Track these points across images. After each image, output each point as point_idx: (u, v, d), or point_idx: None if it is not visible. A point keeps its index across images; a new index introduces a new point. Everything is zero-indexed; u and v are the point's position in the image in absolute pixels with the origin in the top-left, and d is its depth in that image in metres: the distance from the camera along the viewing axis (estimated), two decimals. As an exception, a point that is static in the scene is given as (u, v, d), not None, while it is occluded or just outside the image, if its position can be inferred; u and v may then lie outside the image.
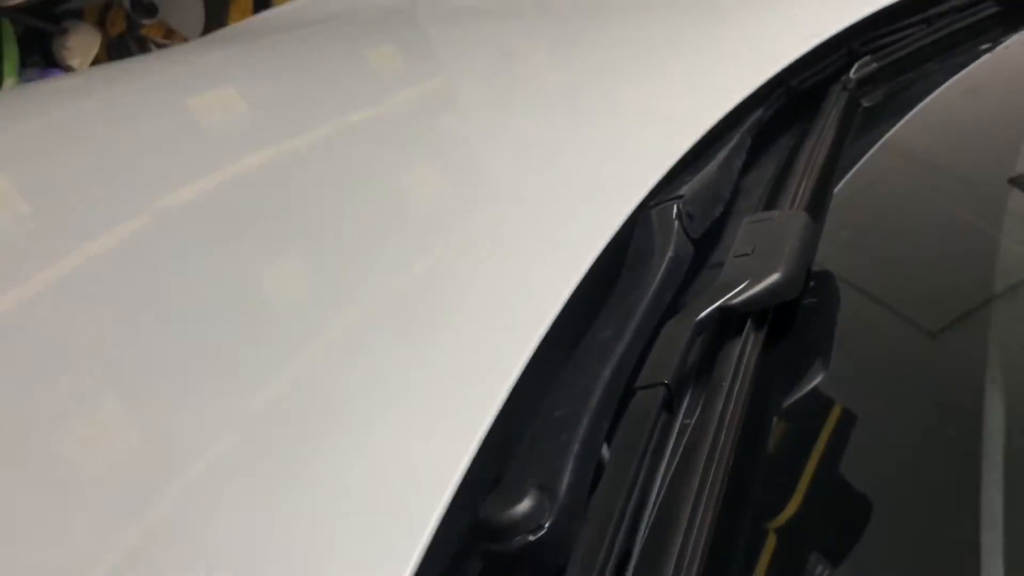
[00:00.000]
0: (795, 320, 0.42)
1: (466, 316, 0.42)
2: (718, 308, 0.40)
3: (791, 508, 0.35)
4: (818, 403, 0.39)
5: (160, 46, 2.40)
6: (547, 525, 0.33)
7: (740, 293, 0.40)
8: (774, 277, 0.40)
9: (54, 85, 1.12)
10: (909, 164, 0.67)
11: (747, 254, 0.43)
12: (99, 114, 0.84)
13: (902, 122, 0.68)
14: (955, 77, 0.73)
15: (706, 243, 0.51)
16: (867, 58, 0.74)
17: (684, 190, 0.50)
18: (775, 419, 0.39)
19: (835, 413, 0.40)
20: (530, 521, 0.33)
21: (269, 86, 0.87)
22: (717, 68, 0.68)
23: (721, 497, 0.32)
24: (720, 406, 0.36)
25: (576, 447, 0.36)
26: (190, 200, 0.62)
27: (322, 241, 0.53)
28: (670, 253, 0.46)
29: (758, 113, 0.63)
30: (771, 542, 0.34)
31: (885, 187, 0.63)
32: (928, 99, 0.71)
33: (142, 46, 2.41)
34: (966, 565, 0.31)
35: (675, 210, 0.49)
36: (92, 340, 0.46)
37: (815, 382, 0.40)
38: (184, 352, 0.44)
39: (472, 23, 1.00)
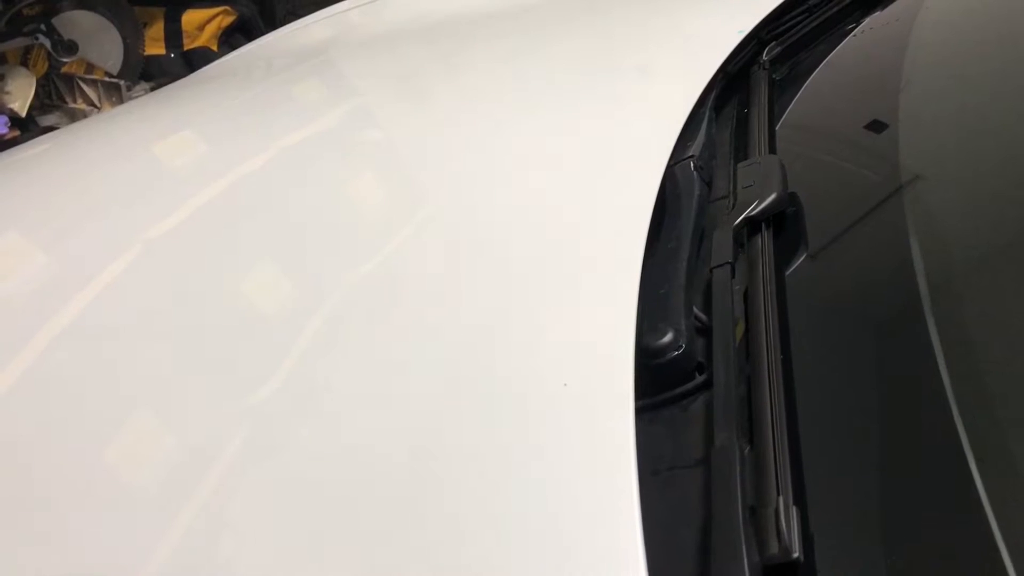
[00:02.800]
0: (785, 220, 0.68)
1: (595, 247, 0.67)
2: (745, 218, 0.66)
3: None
4: (809, 262, 0.66)
5: (86, 82, 2.50)
6: (683, 345, 0.58)
7: (756, 207, 0.66)
8: (773, 195, 0.67)
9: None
10: (812, 113, 0.95)
11: (751, 185, 0.69)
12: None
13: (802, 88, 0.96)
14: (832, 52, 1.02)
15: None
16: (773, 44, 1.02)
17: (692, 150, 0.77)
18: (788, 274, 0.64)
19: (817, 263, 0.66)
20: (674, 344, 0.58)
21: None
22: (682, 64, 0.94)
23: (776, 317, 0.58)
24: (760, 271, 0.62)
25: (683, 305, 0.61)
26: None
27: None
28: (696, 192, 0.72)
29: (714, 93, 0.90)
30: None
31: (801, 131, 0.91)
32: (816, 70, 0.99)
33: (69, 84, 2.51)
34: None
35: (692, 165, 0.75)
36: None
37: (805, 253, 0.66)
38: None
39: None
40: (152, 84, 2.65)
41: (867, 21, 1.07)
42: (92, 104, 2.57)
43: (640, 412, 0.53)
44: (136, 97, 2.46)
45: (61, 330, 0.71)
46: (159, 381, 0.63)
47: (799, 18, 1.05)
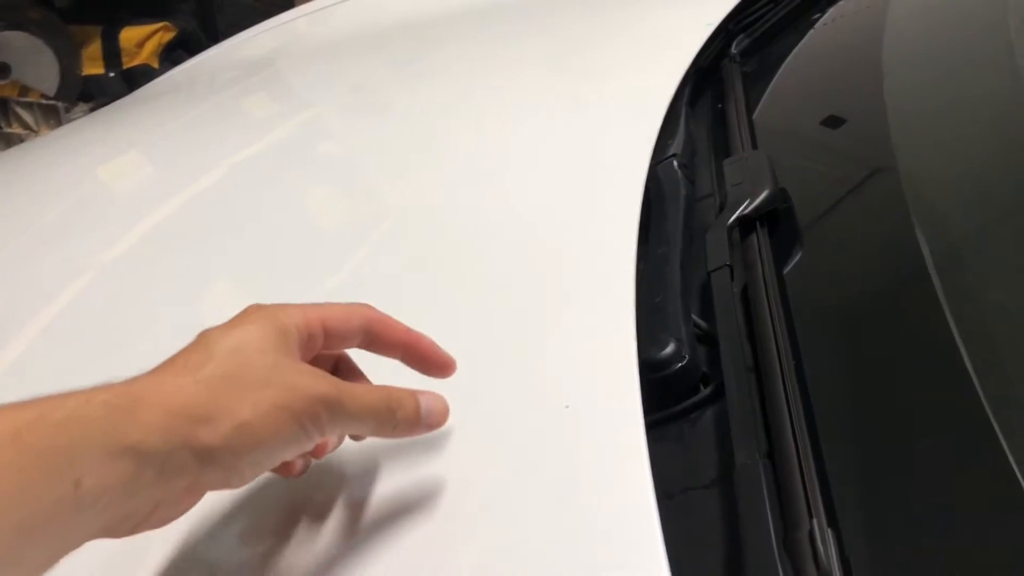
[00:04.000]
0: (779, 216, 0.65)
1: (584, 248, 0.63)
2: (738, 217, 0.63)
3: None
4: (809, 259, 0.63)
5: (21, 105, 2.41)
6: (687, 356, 0.54)
7: (748, 206, 0.63)
8: (766, 192, 0.64)
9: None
10: (790, 105, 0.92)
11: (740, 183, 0.66)
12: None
13: (776, 80, 0.93)
14: (801, 41, 1.00)
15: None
16: (741, 36, 0.99)
17: (673, 148, 0.73)
18: (789, 273, 0.61)
19: (817, 259, 0.63)
20: (678, 356, 0.54)
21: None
22: (653, 60, 0.91)
23: (781, 311, 0.55)
24: (759, 270, 0.59)
25: (681, 313, 0.58)
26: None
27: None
28: (683, 192, 0.69)
29: (687, 89, 0.87)
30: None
31: (780, 124, 0.88)
32: (787, 61, 0.97)
33: (2, 108, 2.41)
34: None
35: (675, 163, 0.71)
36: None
37: (803, 250, 0.63)
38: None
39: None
40: (91, 105, 2.56)
41: (832, 10, 1.05)
42: (29, 128, 2.48)
43: (647, 431, 0.49)
44: (75, 119, 2.37)
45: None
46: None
47: (765, 8, 1.03)
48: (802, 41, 0.99)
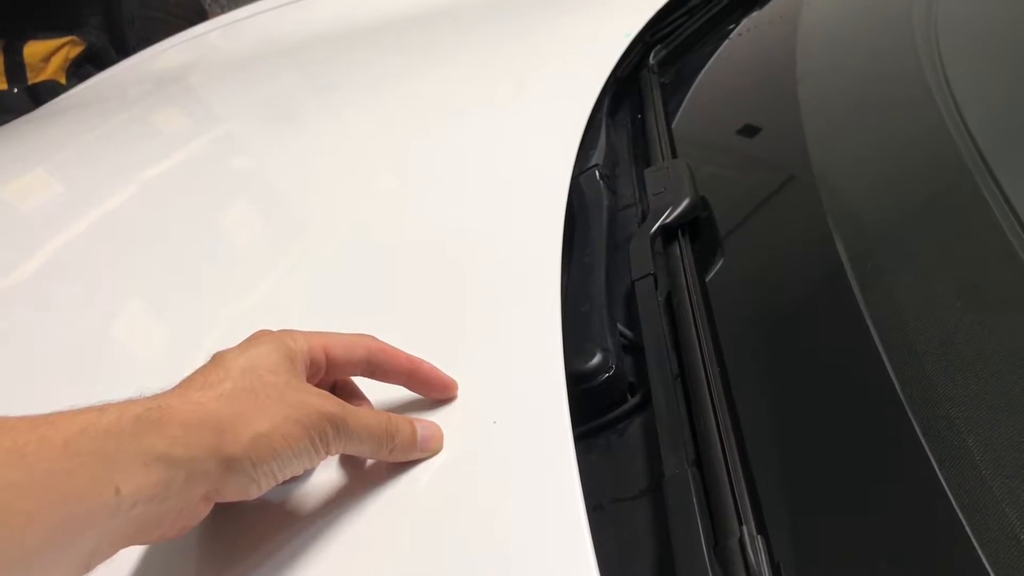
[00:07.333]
0: (700, 224, 0.66)
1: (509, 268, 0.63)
2: (660, 227, 0.63)
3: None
4: (730, 267, 0.63)
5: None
6: (614, 367, 0.54)
7: (670, 215, 0.63)
8: (687, 201, 0.64)
9: None
10: (707, 114, 0.93)
11: (661, 192, 0.66)
12: None
13: (693, 90, 0.94)
14: (717, 52, 1.01)
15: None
16: (659, 47, 1.00)
17: (595, 159, 0.73)
18: (711, 281, 0.62)
19: (738, 266, 0.64)
20: (604, 367, 0.54)
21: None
22: (573, 72, 0.91)
23: (705, 318, 0.55)
24: (682, 279, 0.59)
25: (607, 323, 0.57)
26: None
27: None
28: (606, 201, 0.69)
29: (607, 99, 0.87)
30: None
31: (698, 133, 0.89)
32: (704, 71, 0.98)
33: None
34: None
35: (597, 174, 0.71)
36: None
37: (724, 257, 0.64)
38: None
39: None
40: (-6, 122, 2.46)
41: (746, 21, 1.07)
42: (-73, 147, 2.36)
43: (576, 442, 0.48)
44: (-23, 137, 2.27)
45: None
46: None
47: (681, 19, 1.04)
48: (718, 51, 1.01)
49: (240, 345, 0.45)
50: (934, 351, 0.50)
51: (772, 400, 0.52)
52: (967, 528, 0.40)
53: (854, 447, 0.47)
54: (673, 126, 0.83)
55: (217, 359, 0.43)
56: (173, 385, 0.42)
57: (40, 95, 2.53)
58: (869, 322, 0.51)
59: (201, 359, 0.44)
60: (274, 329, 0.47)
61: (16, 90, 2.63)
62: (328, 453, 0.43)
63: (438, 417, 0.51)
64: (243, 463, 0.39)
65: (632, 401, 0.54)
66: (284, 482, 0.43)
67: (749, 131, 0.81)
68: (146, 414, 0.38)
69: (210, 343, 0.62)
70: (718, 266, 0.62)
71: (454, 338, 0.57)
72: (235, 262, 0.75)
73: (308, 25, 1.37)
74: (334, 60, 1.22)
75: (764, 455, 0.47)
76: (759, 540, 0.41)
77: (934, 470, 0.42)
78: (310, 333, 0.47)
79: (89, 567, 0.36)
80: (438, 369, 0.52)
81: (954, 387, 0.47)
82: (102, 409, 0.37)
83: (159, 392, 0.41)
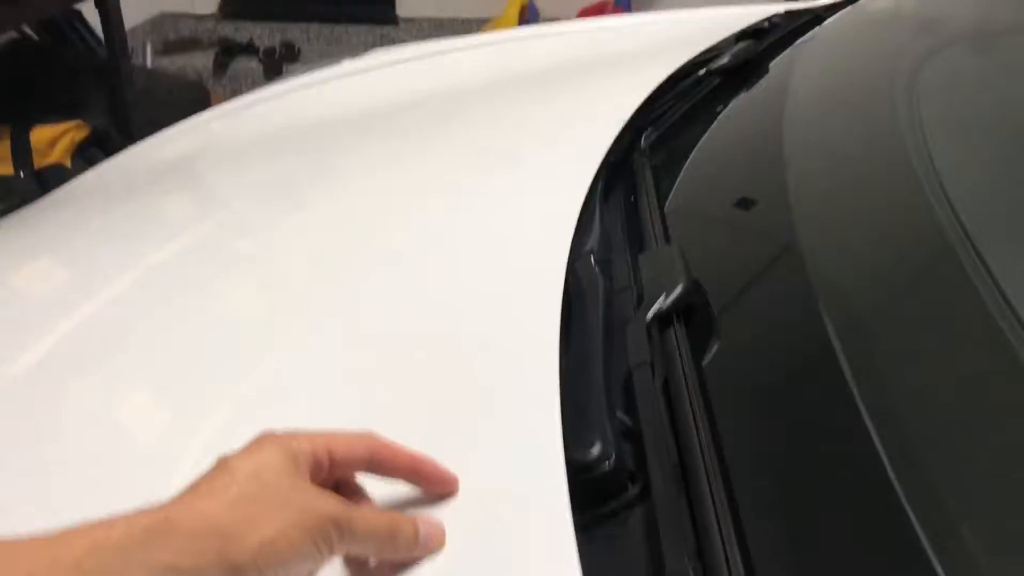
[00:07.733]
0: (695, 311, 0.67)
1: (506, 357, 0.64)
2: (655, 314, 0.64)
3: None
4: (727, 353, 0.64)
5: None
6: (613, 455, 0.55)
7: (665, 301, 0.65)
8: (680, 287, 0.65)
9: None
10: (698, 197, 0.95)
11: (655, 277, 0.68)
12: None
13: (684, 172, 0.97)
14: (706, 133, 1.04)
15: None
16: (650, 130, 1.03)
17: (590, 244, 0.75)
18: (708, 367, 0.63)
19: (735, 352, 0.65)
20: (604, 457, 0.55)
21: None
22: (567, 157, 0.94)
23: (706, 418, 0.56)
24: (679, 365, 0.60)
25: (605, 411, 0.58)
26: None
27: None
28: (601, 287, 0.70)
29: (600, 183, 0.89)
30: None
31: (690, 216, 0.91)
32: (694, 153, 1.00)
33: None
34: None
35: (592, 260, 0.73)
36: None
37: (717, 336, 0.65)
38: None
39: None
40: (1, 207, 2.49)
41: (734, 103, 1.10)
42: (-67, 232, 2.39)
43: (577, 534, 0.49)
44: (-17, 222, 2.31)
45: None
46: None
47: (671, 102, 1.07)
48: (707, 133, 1.04)
49: (245, 449, 0.45)
50: (926, 433, 0.51)
51: (773, 496, 0.52)
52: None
53: (856, 535, 0.47)
54: (665, 209, 0.85)
55: (222, 464, 0.44)
56: (179, 492, 0.43)
57: (46, 179, 2.56)
58: (861, 406, 0.52)
59: (205, 447, 0.45)
60: (278, 427, 0.48)
61: (23, 174, 2.67)
62: (332, 555, 0.44)
63: (440, 511, 0.52)
64: (249, 571, 0.40)
65: (633, 490, 0.55)
66: None
67: (740, 213, 0.83)
68: (153, 526, 0.39)
69: (214, 434, 0.63)
70: (713, 351, 0.64)
71: (453, 428, 0.58)
72: (238, 345, 0.76)
73: (307, 111, 1.41)
74: (335, 145, 1.25)
75: (764, 546, 0.48)
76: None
77: (932, 565, 0.42)
78: (313, 434, 0.48)
79: None
80: (439, 465, 0.53)
81: (952, 475, 0.48)
82: (111, 525, 0.39)
83: (165, 501, 0.42)
